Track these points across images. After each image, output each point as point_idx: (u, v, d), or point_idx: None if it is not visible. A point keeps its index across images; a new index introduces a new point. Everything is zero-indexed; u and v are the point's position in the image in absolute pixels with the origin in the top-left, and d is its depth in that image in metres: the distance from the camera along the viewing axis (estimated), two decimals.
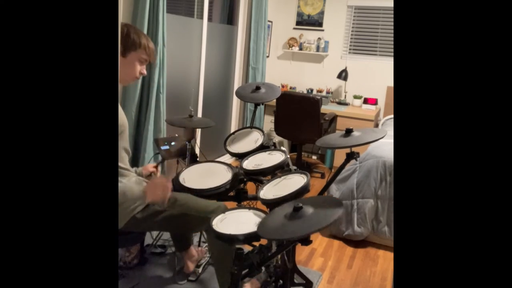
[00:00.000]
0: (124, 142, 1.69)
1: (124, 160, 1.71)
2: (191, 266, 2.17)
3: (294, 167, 1.91)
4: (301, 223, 1.22)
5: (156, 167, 2.05)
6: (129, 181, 1.71)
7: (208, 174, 1.88)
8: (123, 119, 1.66)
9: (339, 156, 4.27)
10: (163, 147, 2.36)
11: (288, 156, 1.91)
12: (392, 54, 4.41)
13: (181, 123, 2.31)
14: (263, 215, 1.58)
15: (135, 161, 2.76)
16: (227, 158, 3.99)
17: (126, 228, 1.75)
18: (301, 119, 3.82)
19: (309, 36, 4.88)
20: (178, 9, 3.35)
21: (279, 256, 1.74)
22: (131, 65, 1.57)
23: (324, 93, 4.79)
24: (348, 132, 1.74)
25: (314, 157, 4.92)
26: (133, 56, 1.56)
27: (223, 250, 1.77)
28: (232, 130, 3.65)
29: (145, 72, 1.63)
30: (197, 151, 3.05)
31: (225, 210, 1.79)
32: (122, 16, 2.54)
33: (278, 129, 4.01)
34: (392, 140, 3.16)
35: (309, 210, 1.27)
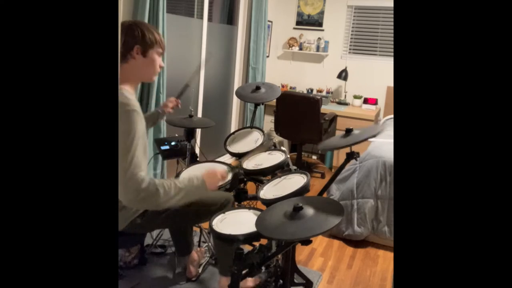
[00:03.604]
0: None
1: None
2: (193, 270, 2.17)
3: (294, 167, 1.91)
4: (301, 225, 1.22)
5: (177, 99, 2.09)
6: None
7: None
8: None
9: (339, 156, 4.27)
10: (163, 147, 2.36)
11: (288, 156, 1.91)
12: (392, 54, 4.41)
13: (181, 123, 2.31)
14: None
15: None
16: (227, 158, 3.98)
17: (127, 230, 1.74)
18: (301, 119, 3.82)
19: (309, 36, 4.87)
20: (178, 9, 3.35)
21: (279, 256, 1.74)
22: (153, 61, 1.57)
23: (324, 93, 4.78)
24: (348, 132, 1.73)
25: (314, 157, 4.92)
26: (152, 53, 1.56)
27: (225, 246, 1.79)
28: (232, 130, 3.64)
29: (163, 64, 1.64)
30: (197, 151, 3.04)
31: (228, 201, 1.80)
32: (122, 16, 2.53)
33: (278, 129, 4.01)
34: (392, 140, 3.16)
35: (309, 211, 1.27)
